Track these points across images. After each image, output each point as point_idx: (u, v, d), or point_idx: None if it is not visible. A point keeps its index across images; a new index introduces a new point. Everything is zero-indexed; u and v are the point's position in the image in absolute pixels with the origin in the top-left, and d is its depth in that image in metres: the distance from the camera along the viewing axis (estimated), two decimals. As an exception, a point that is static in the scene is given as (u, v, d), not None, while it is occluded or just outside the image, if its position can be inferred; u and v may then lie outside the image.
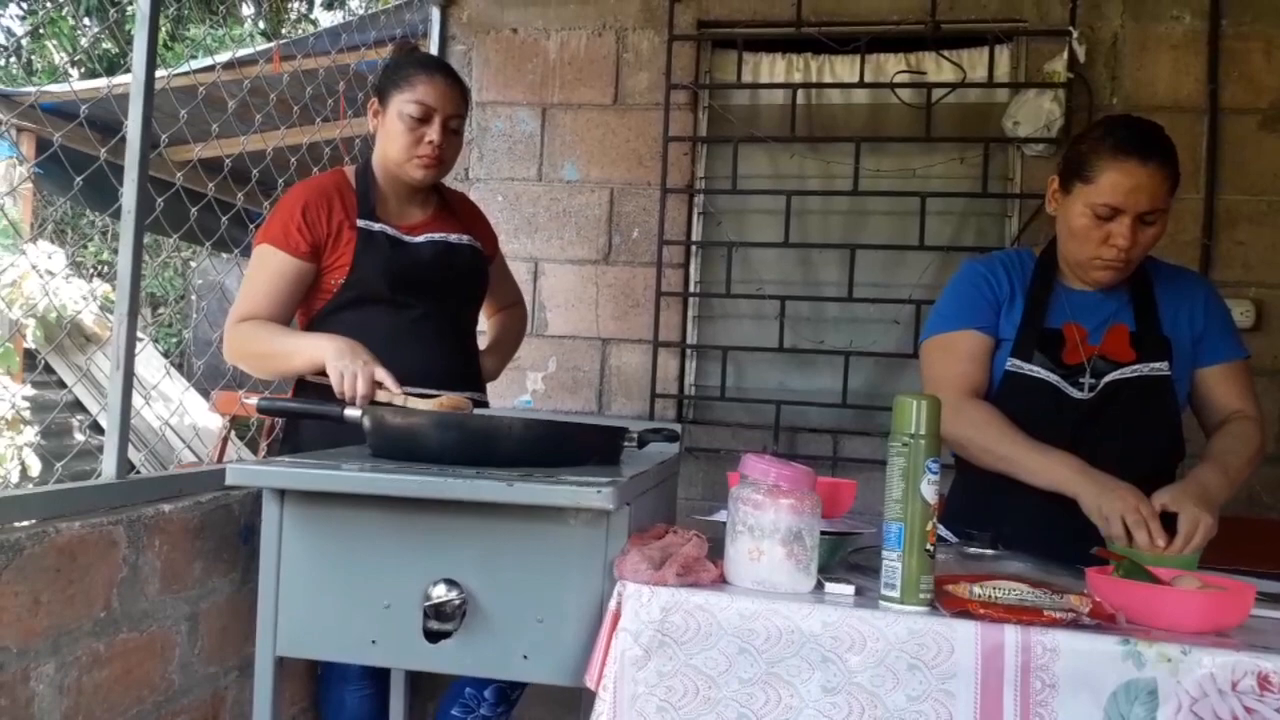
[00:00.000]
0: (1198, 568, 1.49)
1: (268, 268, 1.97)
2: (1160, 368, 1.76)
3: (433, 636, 1.36)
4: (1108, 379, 1.75)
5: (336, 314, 2.00)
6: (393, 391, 1.76)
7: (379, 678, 2.15)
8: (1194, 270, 1.96)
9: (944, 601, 1.23)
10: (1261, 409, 1.84)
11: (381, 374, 1.77)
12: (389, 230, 2.04)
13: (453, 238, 2.13)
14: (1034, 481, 1.67)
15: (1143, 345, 1.77)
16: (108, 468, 1.70)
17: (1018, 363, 1.78)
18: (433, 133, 1.99)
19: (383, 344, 1.87)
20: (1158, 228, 1.70)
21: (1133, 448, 1.71)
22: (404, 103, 1.99)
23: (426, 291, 2.05)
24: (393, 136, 2.01)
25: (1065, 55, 2.86)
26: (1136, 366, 1.76)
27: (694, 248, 3.15)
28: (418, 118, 1.98)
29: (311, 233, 1.97)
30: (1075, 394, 1.75)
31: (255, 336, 1.94)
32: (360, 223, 2.01)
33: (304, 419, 1.99)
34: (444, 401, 1.73)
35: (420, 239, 2.08)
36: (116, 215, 1.74)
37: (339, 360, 1.79)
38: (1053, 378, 1.76)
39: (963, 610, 1.20)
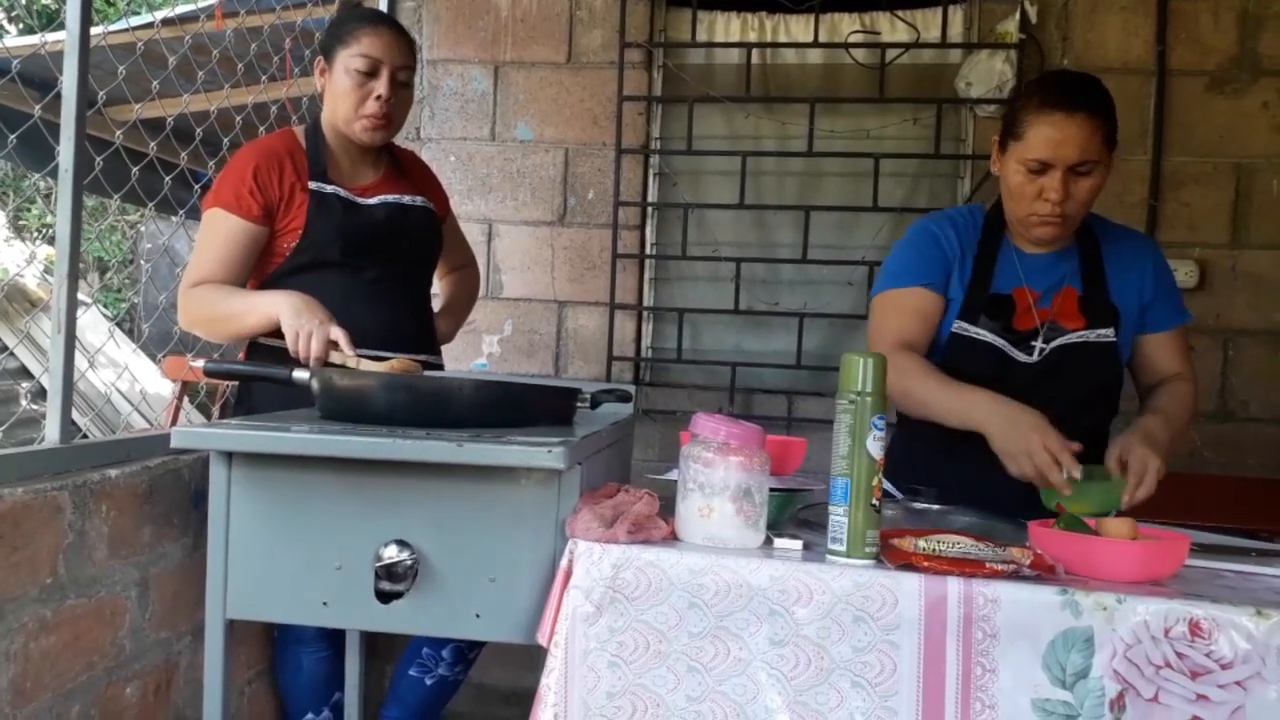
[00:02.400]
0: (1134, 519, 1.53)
1: (219, 232, 1.93)
2: (1106, 334, 1.78)
3: (384, 597, 1.36)
4: (1055, 344, 1.77)
5: (289, 277, 1.97)
6: (346, 353, 1.74)
7: (335, 639, 2.16)
8: (1141, 232, 1.98)
9: (889, 555, 1.25)
10: (1195, 371, 1.89)
11: (337, 333, 1.76)
12: (341, 192, 2.01)
13: (406, 199, 2.10)
14: (950, 423, 1.68)
15: (1090, 311, 1.79)
16: (51, 432, 1.68)
17: (964, 325, 1.79)
18: (380, 86, 1.95)
19: (336, 308, 1.85)
20: (1093, 179, 1.69)
21: (1075, 412, 1.73)
22: (349, 58, 1.95)
23: (380, 254, 2.03)
24: (340, 94, 1.97)
25: (1017, 16, 2.87)
26: (1084, 333, 1.78)
27: (650, 209, 3.14)
28: (364, 71, 1.95)
29: (264, 195, 1.94)
30: (1022, 358, 1.77)
31: (208, 299, 1.91)
32: (312, 185, 1.98)
33: (256, 382, 1.97)
34: (395, 365, 1.72)
35: (373, 201, 2.05)
36: (55, 175, 1.70)
37: (295, 318, 1.77)
38: (999, 341, 1.77)
39: (907, 563, 1.23)
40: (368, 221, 2.02)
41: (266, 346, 1.95)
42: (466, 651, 2.20)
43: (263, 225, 1.95)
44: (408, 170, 2.19)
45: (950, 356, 1.79)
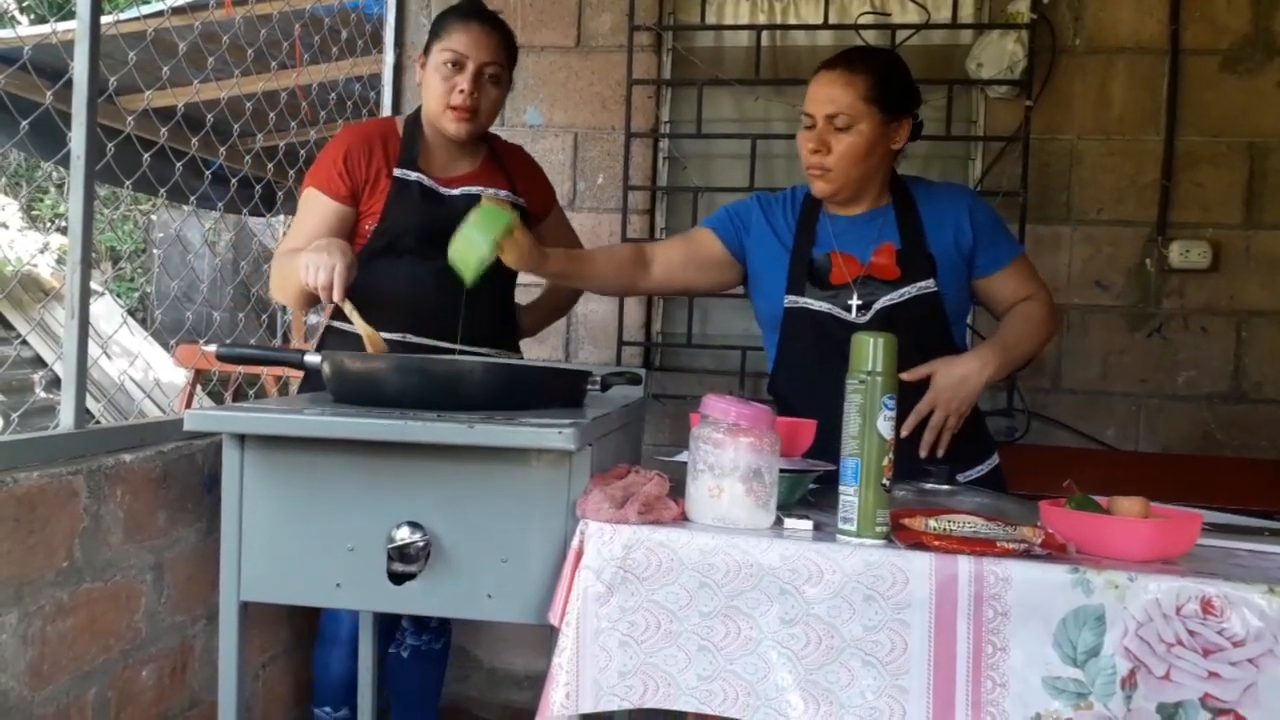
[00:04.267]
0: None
1: (311, 209, 2.00)
2: (926, 286, 1.82)
3: (397, 579, 1.37)
4: (879, 305, 1.81)
5: (370, 261, 1.98)
6: (336, 297, 1.75)
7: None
8: (956, 184, 2.01)
9: (899, 534, 1.26)
10: (1047, 290, 1.91)
11: (339, 271, 1.74)
12: (425, 181, 2.03)
13: (490, 191, 2.08)
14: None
15: (907, 262, 1.82)
16: (65, 418, 1.69)
17: (793, 298, 1.86)
18: (464, 81, 1.97)
19: (407, 294, 1.93)
20: (851, 136, 1.78)
21: (908, 365, 1.71)
22: (439, 52, 1.99)
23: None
24: (429, 87, 2.01)
25: (1029, -4, 2.85)
26: (904, 289, 1.81)
27: (659, 193, 3.14)
28: (451, 64, 1.97)
29: (351, 178, 1.99)
30: (851, 318, 1.81)
31: (280, 263, 1.97)
32: (398, 171, 2.02)
33: (270, 365, 1.99)
34: (370, 333, 1.76)
35: (456, 191, 2.06)
36: (66, 163, 1.71)
37: (310, 253, 1.78)
38: (827, 307, 1.83)
39: (917, 542, 1.23)
40: (447, 211, 1.99)
41: (339, 331, 2.00)
42: (427, 619, 2.22)
43: (349, 206, 2.00)
44: (506, 163, 2.18)
45: (789, 329, 1.87)
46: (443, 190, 2.05)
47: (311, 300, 1.95)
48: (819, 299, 1.84)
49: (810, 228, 1.90)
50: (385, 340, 1.83)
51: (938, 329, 1.83)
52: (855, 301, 1.81)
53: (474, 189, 2.07)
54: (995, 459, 1.90)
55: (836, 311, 1.82)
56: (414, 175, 2.03)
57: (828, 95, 1.79)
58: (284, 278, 1.94)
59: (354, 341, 1.88)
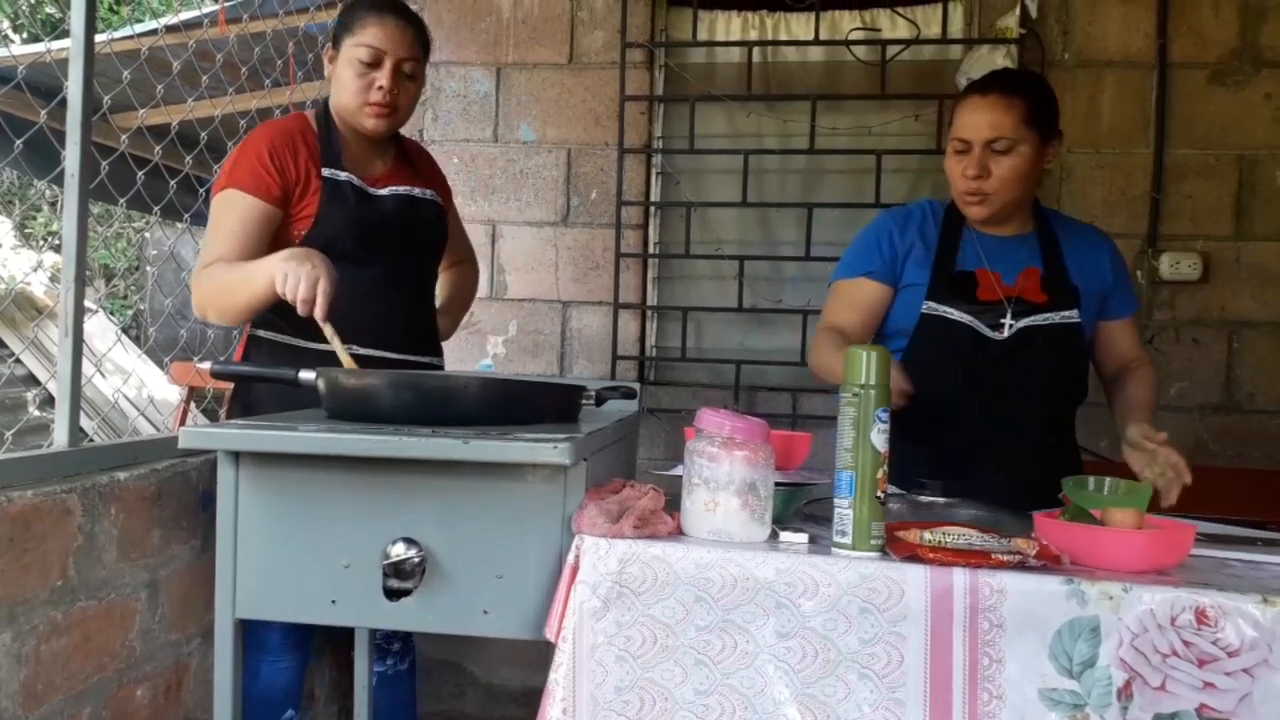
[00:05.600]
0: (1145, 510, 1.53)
1: (234, 212, 1.85)
2: (1071, 315, 1.85)
3: (393, 595, 1.36)
4: (1023, 324, 1.82)
5: None
6: (318, 316, 1.67)
7: (299, 652, 2.07)
8: (1095, 226, 2.04)
9: (894, 547, 1.26)
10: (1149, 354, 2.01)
11: (323, 286, 1.68)
12: (355, 181, 1.96)
13: (416, 191, 2.06)
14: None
15: (1052, 290, 1.85)
16: (59, 436, 1.68)
17: (932, 305, 1.86)
18: (383, 78, 1.90)
19: (345, 301, 1.78)
20: (1012, 159, 1.79)
21: (1043, 390, 1.82)
22: (353, 46, 1.91)
23: (390, 247, 1.98)
24: (344, 83, 1.93)
25: (1017, 11, 2.87)
26: (1049, 314, 1.84)
27: (653, 208, 3.15)
28: (367, 62, 1.90)
29: (282, 176, 1.87)
30: (992, 335, 1.82)
31: (219, 274, 1.83)
32: (326, 172, 1.93)
33: (257, 382, 1.95)
34: (349, 360, 1.68)
35: (384, 191, 2.01)
36: (60, 181, 1.71)
37: (285, 263, 1.69)
38: (968, 319, 1.83)
39: (912, 555, 1.23)
40: (380, 213, 1.98)
41: (267, 341, 1.93)
42: (389, 644, 2.17)
43: (279, 207, 1.88)
44: (415, 161, 2.15)
45: (922, 336, 1.86)
46: (371, 190, 1.99)
47: (256, 314, 1.85)
48: (962, 310, 1.84)
49: (954, 241, 1.90)
50: (329, 353, 1.72)
51: (1074, 357, 1.86)
52: (1008, 320, 1.82)
53: (400, 189, 2.03)
54: None
55: (978, 326, 1.83)
56: (343, 175, 1.94)
57: (988, 120, 1.78)
58: (225, 289, 1.81)
59: (283, 351, 1.81)
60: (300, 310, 1.67)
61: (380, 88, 1.91)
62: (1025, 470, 1.75)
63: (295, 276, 1.66)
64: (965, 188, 1.82)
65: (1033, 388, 1.81)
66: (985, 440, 1.79)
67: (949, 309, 1.84)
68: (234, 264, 1.82)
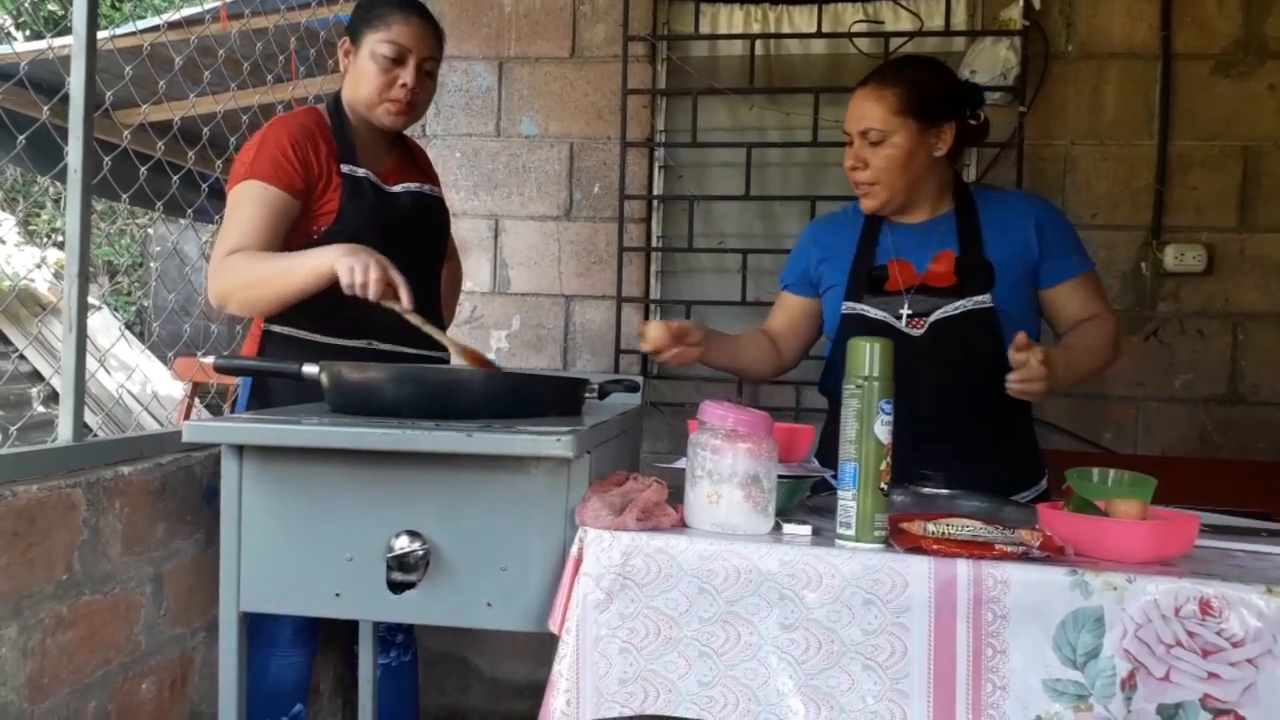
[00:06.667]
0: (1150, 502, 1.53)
1: (256, 202, 1.82)
2: (982, 300, 1.80)
3: (397, 588, 1.37)
4: (934, 318, 1.81)
5: None
6: (405, 304, 1.69)
7: (307, 647, 2.07)
8: (1025, 192, 2.01)
9: (898, 538, 1.26)
10: (1116, 314, 1.88)
11: (396, 276, 1.69)
12: (372, 177, 1.97)
13: (425, 188, 2.09)
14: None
15: (966, 269, 1.82)
16: (64, 430, 1.69)
17: (850, 305, 1.88)
18: (406, 75, 1.92)
19: (367, 300, 1.77)
20: (887, 149, 1.79)
21: (959, 380, 1.79)
22: (377, 42, 1.92)
23: (406, 243, 1.98)
24: (364, 77, 1.94)
25: (1020, 3, 2.86)
26: (959, 302, 1.80)
27: (655, 202, 3.15)
28: (391, 58, 1.92)
29: (305, 170, 1.87)
30: (908, 330, 1.82)
31: (248, 264, 1.79)
32: (344, 168, 1.93)
33: (267, 377, 1.95)
34: (465, 346, 1.72)
35: (398, 188, 2.03)
36: (63, 177, 1.71)
37: (348, 256, 1.69)
38: (882, 314, 1.84)
39: (916, 546, 1.23)
40: (396, 209, 1.99)
41: (283, 336, 1.93)
42: (392, 636, 2.18)
43: (299, 200, 1.87)
44: (417, 158, 2.18)
45: (844, 335, 1.86)
46: (386, 187, 2.00)
47: (286, 307, 1.83)
48: (876, 306, 1.85)
49: (873, 238, 1.91)
50: (348, 348, 1.76)
51: (989, 345, 1.79)
52: (906, 311, 1.82)
53: (412, 186, 2.04)
54: (1044, 484, 1.90)
55: (890, 319, 1.83)
56: (360, 171, 1.95)
57: (859, 112, 1.81)
58: (256, 282, 1.79)
59: (300, 346, 1.81)
60: (371, 294, 1.68)
61: (404, 85, 1.93)
62: (970, 460, 1.71)
63: (363, 266, 1.67)
64: (850, 179, 1.86)
65: (951, 378, 1.78)
66: (921, 434, 1.67)
67: (866, 307, 1.86)
68: (262, 255, 1.80)
